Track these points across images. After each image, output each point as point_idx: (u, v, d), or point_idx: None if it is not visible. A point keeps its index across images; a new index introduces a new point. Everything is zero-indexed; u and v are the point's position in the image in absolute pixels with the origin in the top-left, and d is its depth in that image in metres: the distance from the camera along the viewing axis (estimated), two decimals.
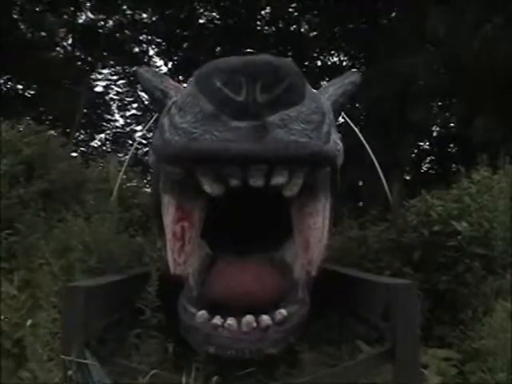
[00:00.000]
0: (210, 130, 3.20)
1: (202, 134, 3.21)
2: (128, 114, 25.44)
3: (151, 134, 7.74)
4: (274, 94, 3.15)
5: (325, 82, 15.03)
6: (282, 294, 3.78)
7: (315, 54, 20.98)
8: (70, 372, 3.00)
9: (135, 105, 25.16)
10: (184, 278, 3.83)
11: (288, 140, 3.22)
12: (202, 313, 3.53)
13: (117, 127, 25.42)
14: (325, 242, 3.99)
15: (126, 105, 25.27)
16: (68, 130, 17.39)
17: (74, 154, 11.83)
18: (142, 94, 21.36)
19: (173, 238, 3.79)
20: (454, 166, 14.42)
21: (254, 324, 3.41)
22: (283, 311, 3.54)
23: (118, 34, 21.79)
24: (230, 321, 3.42)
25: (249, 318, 3.42)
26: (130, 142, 23.95)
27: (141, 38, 22.92)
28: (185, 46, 21.90)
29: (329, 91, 4.76)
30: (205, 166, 3.31)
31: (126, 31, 22.02)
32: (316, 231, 3.85)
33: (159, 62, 23.27)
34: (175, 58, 22.40)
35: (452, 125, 17.06)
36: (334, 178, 4.07)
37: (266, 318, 3.44)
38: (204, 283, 3.86)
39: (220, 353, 3.37)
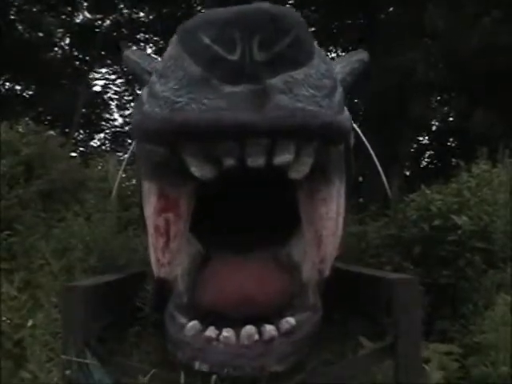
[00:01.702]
0: (198, 98, 2.63)
1: (188, 102, 2.64)
2: (127, 112, 25.40)
3: None
4: (275, 50, 2.56)
5: None
6: (289, 298, 3.27)
7: None
8: (67, 372, 2.99)
9: (134, 103, 25.14)
10: (170, 282, 3.32)
11: (293, 107, 2.66)
12: (193, 323, 3.04)
13: (116, 126, 25.42)
14: (340, 234, 3.43)
15: (125, 104, 25.26)
16: (67, 130, 17.43)
17: (73, 154, 11.83)
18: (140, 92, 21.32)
19: (155, 232, 3.18)
20: (453, 160, 14.44)
21: (256, 336, 2.91)
22: (291, 319, 3.06)
23: (115, 33, 21.77)
24: (227, 332, 2.92)
25: (249, 328, 2.93)
26: (129, 141, 23.89)
27: (138, 36, 22.91)
28: None
29: (336, 69, 3.92)
30: (192, 142, 2.71)
31: (124, 30, 22.01)
32: (329, 222, 3.25)
33: None
34: None
35: (451, 119, 17.09)
36: (348, 157, 3.54)
37: (270, 329, 2.94)
38: (195, 287, 3.31)
39: (215, 371, 2.84)
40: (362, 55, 4.43)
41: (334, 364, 3.59)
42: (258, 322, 3.00)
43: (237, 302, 3.10)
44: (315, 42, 2.92)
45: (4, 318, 3.94)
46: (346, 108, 3.09)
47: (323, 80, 2.82)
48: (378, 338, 3.85)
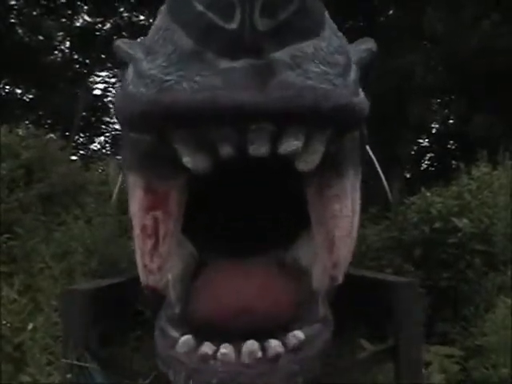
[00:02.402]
0: (190, 75, 2.20)
1: (178, 81, 2.22)
2: None
3: None
4: (280, 18, 2.13)
5: None
6: (297, 309, 2.77)
7: None
8: (68, 375, 2.98)
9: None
10: (161, 291, 2.85)
11: (303, 86, 2.21)
12: (187, 338, 2.54)
13: (116, 130, 25.36)
14: (355, 235, 2.95)
15: None
16: (67, 133, 17.44)
17: (74, 157, 11.86)
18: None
19: (141, 233, 2.71)
20: (453, 162, 14.46)
21: (259, 352, 2.42)
22: (299, 334, 2.56)
23: (115, 37, 21.80)
24: (225, 349, 2.44)
25: (251, 344, 2.45)
26: None
27: (138, 40, 22.95)
28: None
29: None
30: (183, 127, 2.29)
31: (124, 33, 22.05)
32: (343, 221, 2.76)
33: None
34: None
35: (451, 121, 17.11)
36: (364, 147, 3.09)
37: (275, 344, 2.46)
38: (188, 296, 2.82)
39: None
40: (369, 44, 3.65)
41: (334, 366, 3.57)
42: (261, 336, 2.52)
43: (236, 313, 2.64)
44: (326, 13, 2.46)
45: (4, 322, 3.93)
46: (361, 90, 2.67)
47: (336, 55, 2.40)
48: (380, 341, 3.85)
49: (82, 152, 22.70)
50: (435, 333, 4.35)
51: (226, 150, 2.29)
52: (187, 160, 2.34)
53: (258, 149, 2.27)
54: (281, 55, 2.21)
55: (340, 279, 2.88)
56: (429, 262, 4.86)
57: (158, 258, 2.73)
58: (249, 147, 2.28)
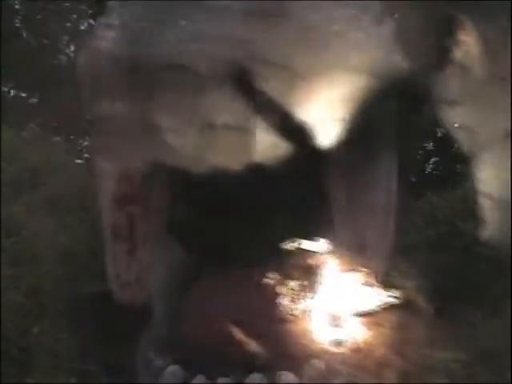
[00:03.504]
0: (174, 20, 1.57)
1: (159, 28, 1.59)
2: None
3: None
4: None
5: None
6: (316, 333, 2.29)
7: None
8: (73, 379, 2.98)
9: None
10: (140, 308, 2.22)
11: (327, 31, 1.71)
12: (174, 368, 2.05)
13: None
14: (392, 235, 2.36)
15: None
16: (72, 137, 17.45)
17: (79, 161, 11.88)
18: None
19: (113, 235, 2.12)
20: (458, 166, 14.43)
21: None
22: (318, 363, 2.10)
23: None
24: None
25: (257, 378, 1.97)
26: None
27: None
28: None
29: None
30: (166, 91, 1.68)
31: None
32: (377, 217, 2.19)
33: None
34: None
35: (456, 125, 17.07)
36: (402, 124, 2.49)
37: (287, 378, 1.97)
38: (177, 315, 2.24)
39: None
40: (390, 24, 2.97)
41: None
42: (270, 367, 2.04)
43: (238, 339, 2.09)
44: None
45: (10, 325, 3.93)
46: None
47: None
48: None
49: (87, 155, 22.70)
50: (441, 337, 4.34)
51: (223, 119, 1.71)
52: (171, 138, 1.76)
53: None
54: None
55: (374, 291, 2.26)
56: (434, 266, 4.85)
57: (135, 267, 2.13)
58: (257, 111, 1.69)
